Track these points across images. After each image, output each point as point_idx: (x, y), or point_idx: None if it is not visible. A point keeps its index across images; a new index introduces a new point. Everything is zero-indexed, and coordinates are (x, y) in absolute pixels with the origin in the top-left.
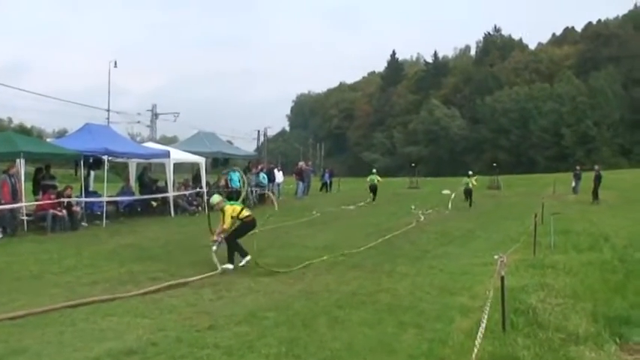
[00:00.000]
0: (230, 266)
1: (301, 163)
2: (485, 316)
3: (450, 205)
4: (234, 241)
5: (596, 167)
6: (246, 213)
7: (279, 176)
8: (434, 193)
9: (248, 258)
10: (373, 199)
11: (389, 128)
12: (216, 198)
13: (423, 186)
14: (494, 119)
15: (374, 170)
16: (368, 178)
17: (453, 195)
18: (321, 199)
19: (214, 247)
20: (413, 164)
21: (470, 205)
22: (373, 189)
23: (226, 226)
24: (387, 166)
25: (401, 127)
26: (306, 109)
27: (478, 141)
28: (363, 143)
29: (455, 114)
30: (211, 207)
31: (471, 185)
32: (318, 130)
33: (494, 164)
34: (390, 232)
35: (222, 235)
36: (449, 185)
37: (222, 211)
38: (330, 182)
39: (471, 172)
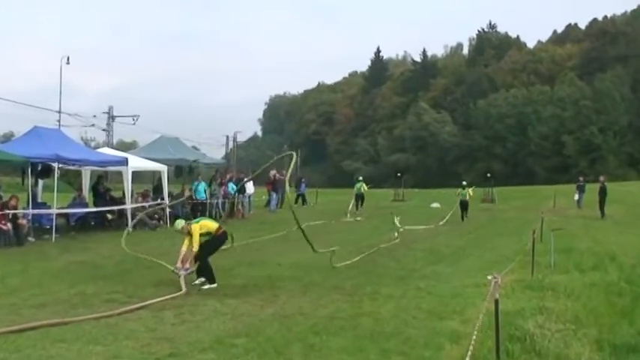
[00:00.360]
0: (214, 285)
1: (273, 172)
2: (476, 343)
3: (446, 218)
4: (206, 260)
5: (602, 178)
6: (216, 226)
7: (249, 187)
8: (421, 206)
9: (214, 286)
10: (357, 208)
11: (372, 134)
12: (179, 223)
13: (410, 198)
14: (488, 125)
15: (360, 178)
16: (354, 187)
17: (453, 209)
18: (297, 212)
19: (182, 273)
20: (399, 174)
21: (463, 218)
22: (360, 198)
23: (196, 249)
24: (370, 175)
25: (386, 133)
26: (280, 113)
27: (471, 149)
28: (343, 150)
29: (445, 119)
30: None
31: (467, 197)
32: (294, 136)
33: (489, 175)
34: (372, 249)
35: (191, 266)
36: (438, 198)
37: (190, 233)
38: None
39: (465, 183)
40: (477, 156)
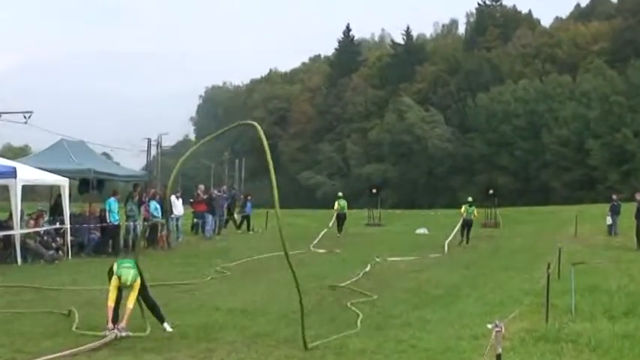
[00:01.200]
0: (168, 327)
1: (202, 187)
2: None
3: (445, 247)
4: (150, 298)
5: (638, 197)
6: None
7: (178, 206)
8: (404, 232)
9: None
10: (339, 231)
11: (340, 138)
12: (132, 277)
13: (389, 222)
14: (491, 127)
15: (340, 194)
16: (336, 205)
17: (451, 236)
18: (241, 240)
19: (123, 334)
20: (374, 190)
21: (467, 241)
22: (341, 218)
23: (131, 305)
24: (336, 192)
25: (357, 137)
26: (219, 110)
27: (469, 158)
28: (301, 159)
29: (436, 118)
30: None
31: (473, 217)
32: (237, 140)
33: (491, 192)
34: (337, 287)
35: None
36: (426, 221)
37: (133, 287)
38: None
39: (470, 199)
40: (476, 167)
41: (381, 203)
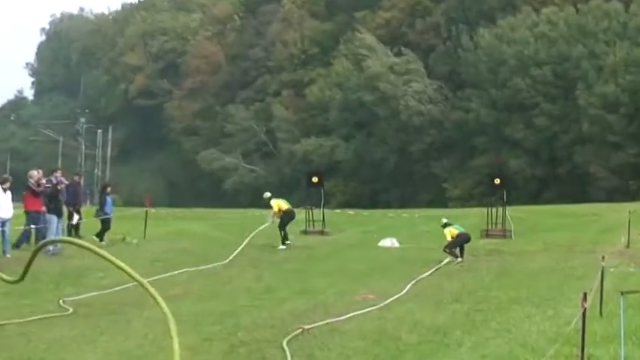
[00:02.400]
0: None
1: (37, 174)
2: None
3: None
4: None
5: None
6: None
7: (4, 203)
8: (362, 244)
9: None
10: (283, 242)
11: (262, 97)
12: None
13: (338, 229)
14: (498, 80)
15: (268, 194)
16: (275, 205)
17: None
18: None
19: None
20: (314, 179)
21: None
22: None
23: None
24: (256, 182)
25: (289, 96)
26: (72, 52)
27: (463, 128)
28: (202, 130)
29: (412, 67)
30: None
31: (463, 230)
32: (99, 101)
33: (497, 181)
34: (256, 340)
35: None
36: (396, 228)
37: None
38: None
39: (446, 221)
40: (474, 143)
41: (327, 199)
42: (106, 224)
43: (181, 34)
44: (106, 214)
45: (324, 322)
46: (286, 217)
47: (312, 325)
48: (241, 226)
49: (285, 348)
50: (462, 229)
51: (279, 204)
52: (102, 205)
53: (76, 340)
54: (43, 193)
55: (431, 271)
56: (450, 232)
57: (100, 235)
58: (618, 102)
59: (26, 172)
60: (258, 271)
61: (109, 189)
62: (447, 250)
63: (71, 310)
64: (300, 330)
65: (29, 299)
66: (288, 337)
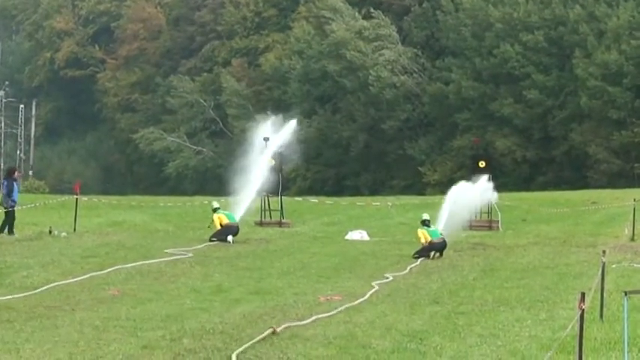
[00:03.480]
0: None
1: None
2: None
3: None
4: None
5: None
6: None
7: None
8: (326, 237)
9: None
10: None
11: (209, 67)
12: None
13: (299, 219)
14: (483, 47)
15: (216, 204)
16: (216, 218)
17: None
18: (28, 252)
19: None
20: (272, 162)
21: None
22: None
23: None
24: (203, 165)
25: (241, 66)
26: None
27: (442, 103)
28: (140, 106)
29: (384, 32)
30: None
31: (442, 237)
32: (20, 72)
33: (482, 164)
34: (205, 348)
35: None
36: (364, 218)
37: None
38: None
39: (427, 217)
40: (455, 119)
41: (285, 185)
42: (11, 215)
43: None
44: (13, 202)
45: (283, 326)
46: (225, 232)
47: (282, 327)
48: (185, 217)
49: (234, 358)
50: (439, 235)
51: (220, 218)
52: (10, 192)
53: None
54: None
55: (407, 269)
56: (424, 235)
57: (10, 228)
58: (621, 72)
59: None
60: (206, 269)
61: (16, 173)
62: (416, 256)
63: None
64: (271, 330)
65: None
66: (243, 347)
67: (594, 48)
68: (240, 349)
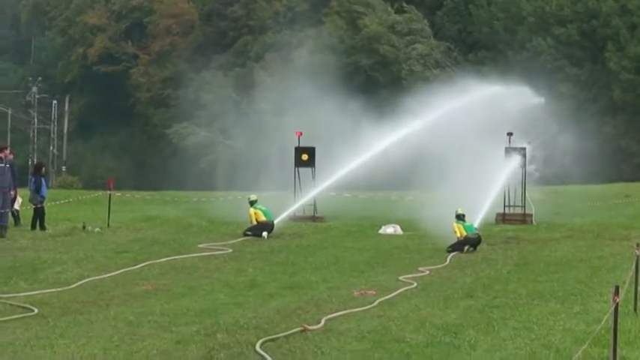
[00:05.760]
0: None
1: None
2: None
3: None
4: None
5: None
6: None
7: None
8: (359, 232)
9: None
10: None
11: (243, 62)
12: None
13: (333, 215)
14: (515, 40)
15: (253, 197)
16: (252, 212)
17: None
18: (61, 247)
19: None
20: (304, 156)
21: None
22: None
23: None
24: (237, 160)
25: (275, 60)
26: (19, 11)
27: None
28: (173, 100)
29: (416, 26)
30: None
31: (477, 233)
32: (53, 68)
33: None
34: (239, 343)
35: None
36: (397, 213)
37: None
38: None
39: (461, 211)
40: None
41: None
42: (41, 211)
43: None
44: (42, 197)
45: (322, 321)
46: (260, 229)
47: (314, 327)
48: (219, 212)
49: (261, 352)
50: (474, 230)
51: (257, 214)
52: (38, 188)
53: (29, 343)
54: None
55: (443, 263)
56: (459, 230)
57: (42, 224)
58: None
59: None
60: (240, 264)
61: (43, 169)
62: (450, 250)
63: (36, 310)
64: (302, 329)
65: None
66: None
67: (627, 41)
68: (261, 341)
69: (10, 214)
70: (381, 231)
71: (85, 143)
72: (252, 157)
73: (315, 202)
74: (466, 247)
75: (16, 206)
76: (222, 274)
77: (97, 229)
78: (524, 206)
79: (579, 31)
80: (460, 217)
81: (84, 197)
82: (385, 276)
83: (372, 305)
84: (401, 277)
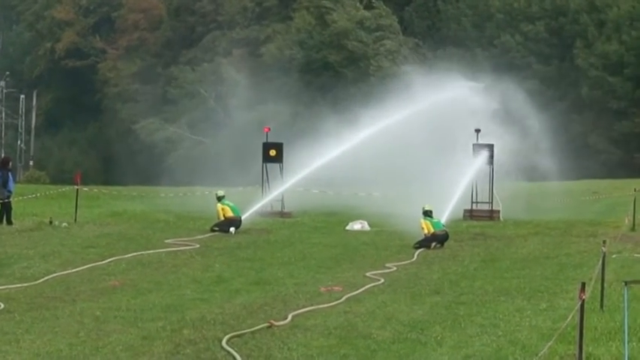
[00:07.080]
0: None
1: None
2: None
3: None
4: None
5: None
6: None
7: None
8: (326, 228)
9: None
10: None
11: (211, 57)
12: None
13: (301, 210)
14: (484, 37)
15: (220, 192)
16: (219, 208)
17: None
18: (27, 242)
19: None
20: (272, 151)
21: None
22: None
23: None
24: (204, 156)
25: (242, 56)
26: None
27: None
28: (141, 96)
29: (385, 22)
30: None
31: (444, 229)
32: (20, 62)
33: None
34: (205, 339)
35: None
36: (364, 209)
37: None
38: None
39: (428, 207)
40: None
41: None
42: (8, 206)
43: None
44: (9, 192)
45: (288, 317)
46: (227, 225)
47: (281, 323)
48: (186, 207)
49: (227, 348)
50: (441, 226)
51: (224, 209)
52: (5, 182)
53: None
54: None
55: (410, 259)
56: (426, 226)
57: (8, 219)
58: (622, 62)
59: None
60: (207, 260)
61: (10, 164)
62: (417, 247)
63: (2, 305)
64: (268, 325)
65: None
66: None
67: (595, 38)
68: (227, 337)
69: None
70: (348, 227)
71: (52, 138)
72: (219, 152)
73: (282, 197)
74: (433, 244)
75: None
76: (189, 270)
77: (64, 224)
78: (492, 202)
79: (547, 28)
80: (427, 214)
81: (51, 192)
82: (352, 272)
83: (339, 301)
84: (368, 274)
